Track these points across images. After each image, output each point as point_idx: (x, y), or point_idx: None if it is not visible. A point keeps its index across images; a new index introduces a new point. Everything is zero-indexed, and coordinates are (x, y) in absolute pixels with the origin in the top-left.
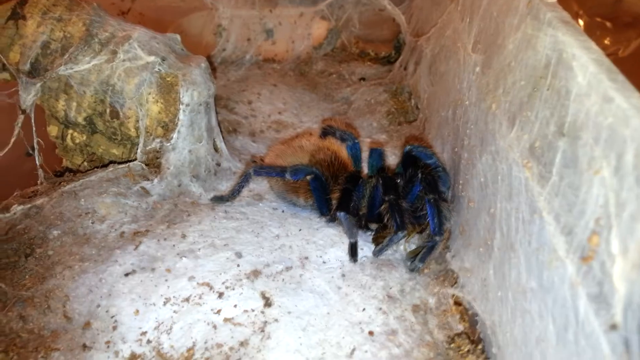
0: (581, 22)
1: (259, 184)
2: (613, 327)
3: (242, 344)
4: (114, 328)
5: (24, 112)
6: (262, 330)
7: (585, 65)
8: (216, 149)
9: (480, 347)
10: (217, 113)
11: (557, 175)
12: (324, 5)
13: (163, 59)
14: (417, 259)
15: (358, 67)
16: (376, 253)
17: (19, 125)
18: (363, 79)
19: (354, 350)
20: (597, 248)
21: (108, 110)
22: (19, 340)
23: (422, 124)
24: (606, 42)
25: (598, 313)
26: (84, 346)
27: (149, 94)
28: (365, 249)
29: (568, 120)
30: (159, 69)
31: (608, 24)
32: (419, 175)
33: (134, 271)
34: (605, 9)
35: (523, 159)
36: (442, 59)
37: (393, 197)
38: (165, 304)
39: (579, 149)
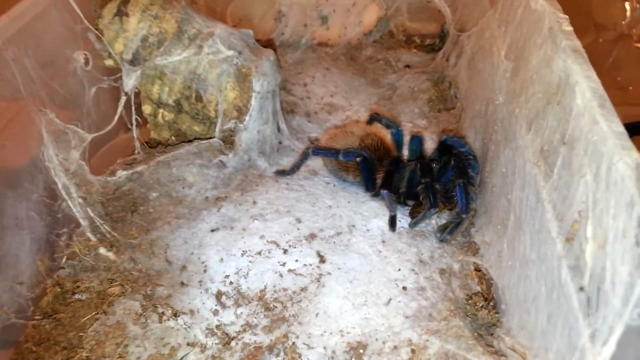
0: None
1: (313, 161)
2: (581, 289)
3: (302, 289)
4: (204, 271)
5: (126, 94)
6: (318, 280)
7: (584, 91)
8: (279, 129)
9: (491, 304)
10: None
11: (557, 175)
12: None
13: (240, 53)
14: (446, 231)
15: (404, 54)
16: (412, 225)
17: (122, 104)
18: (408, 66)
19: (390, 300)
20: (577, 232)
21: (194, 95)
22: (131, 276)
23: (459, 113)
24: None
25: (573, 279)
26: (182, 283)
27: (228, 82)
28: (403, 221)
29: (568, 133)
30: (236, 62)
31: None
32: (452, 161)
33: (217, 228)
34: None
35: (535, 158)
36: (479, 57)
37: (428, 180)
38: (242, 255)
39: (573, 156)
